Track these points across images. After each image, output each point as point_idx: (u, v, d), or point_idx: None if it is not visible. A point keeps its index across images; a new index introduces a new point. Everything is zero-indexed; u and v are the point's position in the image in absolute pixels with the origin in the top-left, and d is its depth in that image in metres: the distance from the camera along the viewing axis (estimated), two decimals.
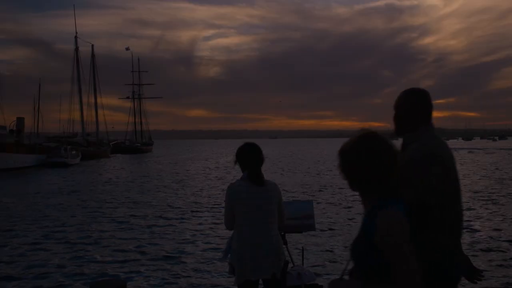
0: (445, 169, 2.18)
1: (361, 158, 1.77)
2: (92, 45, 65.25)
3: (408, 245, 1.66)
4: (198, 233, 10.65)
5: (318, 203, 14.81)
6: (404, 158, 2.21)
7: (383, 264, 1.67)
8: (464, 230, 9.09)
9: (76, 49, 59.47)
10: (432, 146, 2.21)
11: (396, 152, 1.80)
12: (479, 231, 10.65)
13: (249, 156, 3.37)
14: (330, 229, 10.98)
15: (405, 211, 1.76)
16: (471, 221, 11.84)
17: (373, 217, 1.73)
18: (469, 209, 13.92)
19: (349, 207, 14.58)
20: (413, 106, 2.31)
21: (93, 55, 64.05)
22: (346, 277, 1.85)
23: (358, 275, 1.77)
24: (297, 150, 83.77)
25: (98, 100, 63.51)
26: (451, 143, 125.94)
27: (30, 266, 8.04)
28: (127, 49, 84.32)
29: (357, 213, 13.35)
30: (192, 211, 14.00)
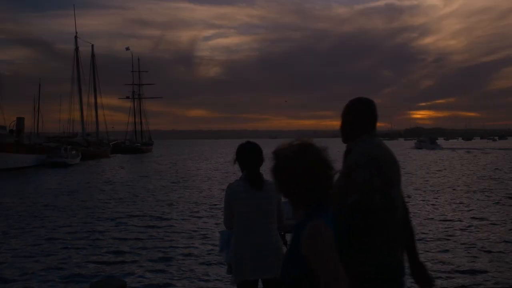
0: (386, 173, 2.22)
1: (296, 168, 1.75)
2: (92, 45, 65.35)
3: (334, 254, 1.65)
4: (198, 234, 10.64)
5: None
6: (346, 164, 2.28)
7: (307, 275, 1.67)
8: (463, 230, 9.04)
9: (76, 49, 59.52)
10: (372, 151, 2.26)
11: (330, 164, 1.81)
12: (477, 231, 10.65)
13: (249, 156, 3.34)
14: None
15: (333, 222, 1.77)
16: (463, 220, 11.85)
17: (302, 227, 1.73)
18: (469, 209, 13.93)
19: None
20: (358, 114, 2.38)
21: (93, 55, 64.11)
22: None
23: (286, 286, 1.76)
24: None
25: (98, 100, 63.54)
26: (451, 143, 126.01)
27: (30, 266, 8.04)
28: (127, 49, 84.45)
29: None
30: (192, 212, 13.99)
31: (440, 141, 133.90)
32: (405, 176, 26.38)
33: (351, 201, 2.15)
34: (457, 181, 22.72)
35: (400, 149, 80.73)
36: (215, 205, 15.07)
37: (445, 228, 11.04)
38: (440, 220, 12.06)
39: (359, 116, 2.38)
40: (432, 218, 12.37)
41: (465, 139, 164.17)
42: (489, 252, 8.68)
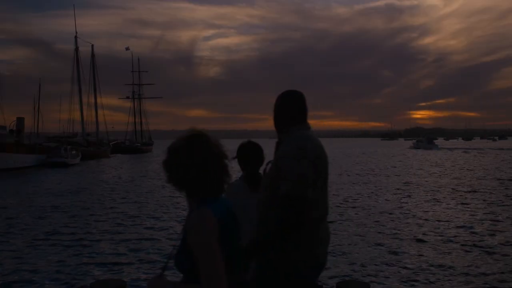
0: (315, 164, 2.23)
1: (184, 160, 1.78)
2: (92, 45, 65.23)
3: (215, 246, 1.67)
4: None
5: None
6: (277, 155, 2.31)
7: (195, 264, 1.68)
8: (461, 230, 9.02)
9: (76, 49, 59.47)
10: (302, 142, 2.27)
11: (223, 155, 1.84)
12: (475, 231, 10.66)
13: (250, 156, 3.33)
14: (330, 228, 10.96)
15: (227, 211, 1.81)
16: (457, 218, 11.85)
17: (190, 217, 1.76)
18: (460, 209, 13.93)
19: (349, 206, 14.58)
20: (288, 107, 2.41)
21: (93, 55, 64.04)
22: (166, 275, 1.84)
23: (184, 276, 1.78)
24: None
25: (98, 100, 63.44)
26: (451, 143, 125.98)
27: (30, 267, 8.04)
28: (127, 49, 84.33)
29: (357, 213, 13.35)
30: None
31: (440, 141, 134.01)
32: (394, 175, 26.40)
33: (282, 192, 2.14)
34: (441, 180, 22.73)
35: (399, 149, 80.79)
36: None
37: (437, 228, 11.05)
38: (436, 221, 12.07)
39: (288, 109, 2.41)
40: (427, 219, 12.38)
41: (465, 139, 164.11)
42: (488, 252, 8.69)
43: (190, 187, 1.80)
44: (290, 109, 2.41)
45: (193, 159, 1.77)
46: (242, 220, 3.20)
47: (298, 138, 2.30)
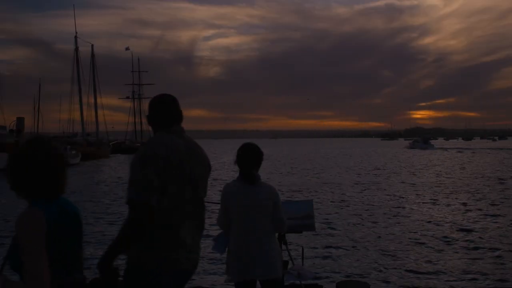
0: (166, 170, 2.20)
1: (22, 162, 1.90)
2: (92, 45, 65.30)
3: (38, 245, 1.72)
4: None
5: (320, 203, 14.81)
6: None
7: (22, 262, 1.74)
8: (458, 230, 9.01)
9: (76, 49, 59.55)
10: (154, 148, 2.25)
11: (58, 158, 1.96)
12: (471, 230, 10.66)
13: (244, 156, 3.39)
14: (330, 229, 10.97)
15: (61, 212, 1.89)
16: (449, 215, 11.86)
17: None
18: (466, 207, 13.93)
19: (350, 206, 14.59)
20: (155, 111, 2.43)
21: (93, 55, 64.08)
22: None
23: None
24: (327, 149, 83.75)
25: (98, 100, 63.43)
26: (451, 143, 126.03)
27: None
28: (127, 49, 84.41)
29: (358, 213, 13.36)
30: None
31: (440, 141, 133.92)
32: (387, 174, 26.42)
33: (126, 196, 2.16)
34: (436, 179, 22.75)
35: (397, 149, 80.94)
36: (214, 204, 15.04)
37: (437, 228, 11.06)
38: (436, 221, 12.07)
39: (155, 113, 2.43)
40: (426, 219, 12.38)
41: (465, 139, 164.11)
42: (487, 253, 8.69)
43: (23, 188, 1.90)
44: (156, 114, 2.42)
45: (26, 162, 1.88)
46: (242, 214, 3.23)
47: (153, 143, 2.30)
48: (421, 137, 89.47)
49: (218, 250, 3.50)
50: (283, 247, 3.87)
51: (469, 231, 10.65)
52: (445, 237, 10.05)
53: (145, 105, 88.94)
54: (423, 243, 9.45)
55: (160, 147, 2.25)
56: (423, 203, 15.55)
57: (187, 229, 2.32)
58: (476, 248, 8.97)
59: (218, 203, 3.53)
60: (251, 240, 3.23)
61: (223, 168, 35.01)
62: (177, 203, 2.27)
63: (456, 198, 16.54)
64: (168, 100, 2.46)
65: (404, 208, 14.42)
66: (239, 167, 3.37)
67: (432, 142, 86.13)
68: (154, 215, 2.15)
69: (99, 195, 18.61)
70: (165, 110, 2.43)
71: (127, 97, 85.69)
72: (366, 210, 13.99)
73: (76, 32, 59.68)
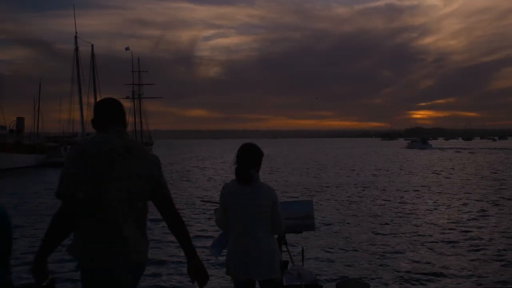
0: (96, 167, 2.33)
1: None
2: (92, 45, 65.04)
3: None
4: (196, 234, 10.64)
5: (320, 205, 14.81)
6: None
7: None
8: (456, 230, 8.99)
9: (76, 49, 59.36)
10: (82, 146, 2.44)
11: None
12: (469, 231, 10.66)
13: (244, 156, 3.39)
14: (330, 229, 10.97)
15: None
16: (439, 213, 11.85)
17: None
18: (467, 209, 13.92)
19: (350, 207, 14.59)
20: (95, 113, 2.63)
21: (93, 55, 63.88)
22: None
23: None
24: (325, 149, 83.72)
25: (98, 100, 63.43)
26: (451, 143, 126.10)
27: (29, 268, 8.03)
28: (127, 49, 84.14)
29: (358, 213, 13.36)
30: (190, 213, 13.99)
31: (440, 141, 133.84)
32: (386, 175, 26.42)
33: (55, 191, 2.31)
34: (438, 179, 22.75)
35: (396, 149, 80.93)
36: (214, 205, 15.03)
37: (436, 228, 11.05)
38: (435, 221, 12.06)
39: (95, 114, 2.62)
40: (425, 220, 12.37)
41: (465, 139, 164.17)
42: (486, 252, 8.68)
43: None
44: (95, 115, 2.61)
45: None
46: (240, 214, 3.23)
47: (88, 141, 2.50)
48: (420, 137, 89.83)
49: (213, 253, 3.51)
50: (283, 247, 3.86)
51: (468, 231, 10.65)
52: (445, 237, 10.05)
53: (145, 105, 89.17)
54: (423, 244, 9.44)
55: (93, 144, 2.42)
56: (422, 203, 15.55)
57: (129, 224, 2.43)
58: (475, 248, 8.97)
59: (217, 203, 3.52)
60: (250, 240, 3.23)
61: (223, 168, 35.03)
62: (115, 199, 2.38)
63: (455, 198, 16.54)
64: (106, 103, 2.65)
65: (404, 208, 14.41)
66: (238, 167, 3.36)
67: (432, 142, 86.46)
68: (81, 207, 2.29)
69: None
70: (103, 112, 2.59)
71: (127, 97, 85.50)
72: (366, 210, 13.99)
73: (76, 32, 59.45)
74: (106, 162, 2.37)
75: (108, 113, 2.58)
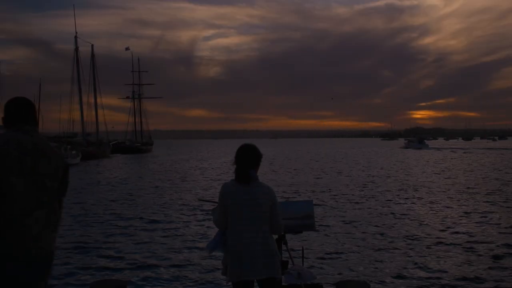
0: (2, 161, 2.43)
1: None
2: (92, 45, 65.23)
3: None
4: (196, 234, 10.64)
5: (320, 205, 14.81)
6: None
7: None
8: (452, 230, 8.98)
9: (76, 49, 59.52)
10: None
11: None
12: (471, 231, 10.67)
13: (244, 156, 3.40)
14: (330, 229, 10.97)
15: None
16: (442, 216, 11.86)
17: None
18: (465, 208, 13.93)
19: (350, 207, 14.60)
20: (7, 111, 2.71)
21: (93, 55, 64.03)
22: None
23: None
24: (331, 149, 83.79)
25: (98, 100, 63.34)
26: (451, 143, 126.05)
27: None
28: (127, 49, 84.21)
29: (358, 214, 13.36)
30: (190, 212, 14.00)
31: (440, 141, 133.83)
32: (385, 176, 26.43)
33: None
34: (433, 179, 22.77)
35: (394, 148, 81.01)
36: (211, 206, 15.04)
37: (435, 228, 11.06)
38: (435, 221, 12.07)
39: (4, 113, 2.71)
40: (424, 220, 12.38)
41: (465, 139, 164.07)
42: (486, 253, 8.69)
43: None
44: (4, 114, 2.71)
45: None
46: (239, 214, 3.23)
47: None
48: (416, 137, 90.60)
49: (208, 247, 3.50)
50: (283, 247, 3.86)
51: (468, 232, 10.66)
52: (445, 237, 10.06)
53: (145, 105, 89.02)
54: (423, 244, 9.45)
55: (4, 143, 2.49)
56: (422, 204, 15.56)
57: (34, 219, 2.50)
58: (476, 249, 8.97)
59: (215, 202, 3.53)
60: (249, 240, 3.23)
61: (223, 168, 35.03)
62: (20, 194, 2.46)
63: (453, 199, 16.56)
64: (17, 102, 2.75)
65: (403, 209, 14.42)
66: (237, 167, 3.36)
67: (432, 142, 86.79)
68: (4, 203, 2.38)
69: (100, 196, 18.60)
70: (11, 111, 2.69)
71: (127, 97, 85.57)
72: (366, 210, 13.99)
73: (76, 32, 59.70)
74: (14, 159, 2.46)
75: (19, 112, 2.69)
